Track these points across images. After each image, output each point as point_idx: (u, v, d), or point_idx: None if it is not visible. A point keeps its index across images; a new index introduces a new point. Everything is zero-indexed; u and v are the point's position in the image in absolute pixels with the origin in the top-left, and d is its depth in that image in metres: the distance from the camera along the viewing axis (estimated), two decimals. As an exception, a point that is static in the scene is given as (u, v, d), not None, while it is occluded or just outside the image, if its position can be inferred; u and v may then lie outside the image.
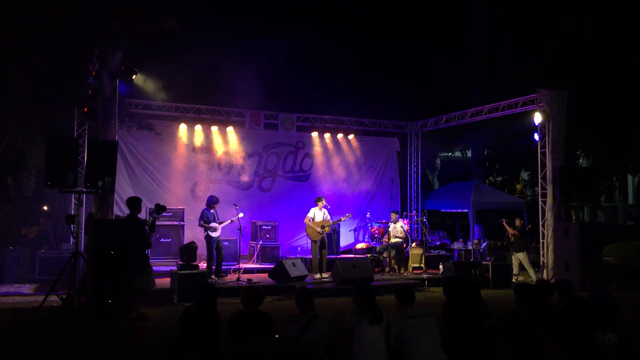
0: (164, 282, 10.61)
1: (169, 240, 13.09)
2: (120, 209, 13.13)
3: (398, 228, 13.70)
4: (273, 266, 11.76)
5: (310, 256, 12.63)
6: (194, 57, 14.90)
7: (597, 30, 15.82)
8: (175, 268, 10.46)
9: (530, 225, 14.66)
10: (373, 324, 4.94)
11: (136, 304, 8.59)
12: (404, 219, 15.13)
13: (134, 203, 8.86)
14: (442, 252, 15.69)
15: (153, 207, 13.10)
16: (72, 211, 11.07)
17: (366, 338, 4.92)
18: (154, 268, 10.44)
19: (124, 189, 13.58)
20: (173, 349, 5.18)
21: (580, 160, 19.92)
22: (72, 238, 11.07)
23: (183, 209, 13.51)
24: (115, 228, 8.87)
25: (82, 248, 10.35)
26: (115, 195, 11.19)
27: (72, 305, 8.83)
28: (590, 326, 3.62)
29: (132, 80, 9.96)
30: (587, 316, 3.68)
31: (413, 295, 5.31)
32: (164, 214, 13.14)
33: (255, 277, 11.97)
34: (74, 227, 9.75)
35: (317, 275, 12.15)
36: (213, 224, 11.51)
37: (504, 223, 13.69)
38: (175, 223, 13.20)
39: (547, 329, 4.38)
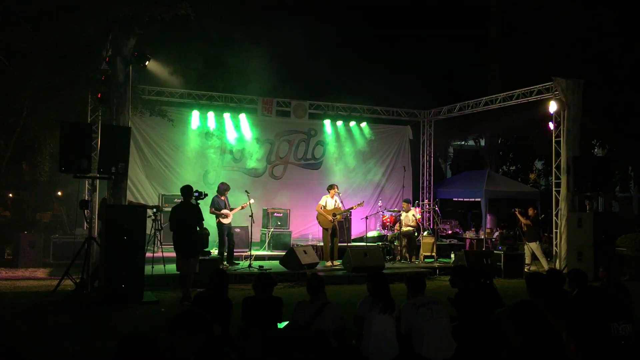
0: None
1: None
2: (133, 195, 13.23)
3: (410, 217, 13.67)
4: (284, 253, 11.80)
5: (322, 244, 12.65)
6: (206, 44, 14.87)
7: (613, 20, 15.55)
8: (187, 254, 10.49)
9: (543, 215, 14.57)
10: (384, 312, 4.94)
11: (188, 286, 8.76)
12: (416, 207, 15.09)
13: (186, 190, 9.15)
14: (454, 241, 15.66)
15: (164, 193, 13.46)
16: (86, 196, 11.14)
17: (377, 326, 4.92)
18: (166, 254, 10.60)
19: (136, 174, 13.69)
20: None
21: (595, 150, 19.72)
22: (85, 223, 11.20)
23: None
24: (128, 213, 8.94)
25: (96, 233, 10.47)
26: (128, 181, 11.24)
27: (86, 289, 8.94)
28: (605, 316, 3.58)
29: (146, 66, 9.95)
30: (601, 306, 3.63)
31: (424, 284, 5.30)
32: (175, 200, 13.34)
33: (266, 264, 12.03)
34: (87, 212, 9.86)
35: (328, 263, 12.17)
36: (224, 211, 11.55)
37: (517, 213, 13.62)
38: (188, 209, 13.25)
39: (558, 317, 4.35)
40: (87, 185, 11.69)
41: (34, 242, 12.29)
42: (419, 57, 18.59)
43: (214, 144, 14.85)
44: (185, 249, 8.98)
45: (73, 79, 11.55)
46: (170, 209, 12.80)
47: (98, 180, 10.04)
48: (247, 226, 12.31)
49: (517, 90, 13.85)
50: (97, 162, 9.59)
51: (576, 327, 3.73)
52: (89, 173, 9.20)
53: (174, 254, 11.34)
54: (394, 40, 19.82)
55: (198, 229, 9.21)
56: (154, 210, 10.85)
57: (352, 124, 16.34)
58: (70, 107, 12.33)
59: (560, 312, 4.72)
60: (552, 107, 12.68)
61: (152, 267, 10.01)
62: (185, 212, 9.10)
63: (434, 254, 13.82)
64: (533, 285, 5.32)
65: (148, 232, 9.98)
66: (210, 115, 14.63)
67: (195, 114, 14.47)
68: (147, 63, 9.93)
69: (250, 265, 11.41)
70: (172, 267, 10.50)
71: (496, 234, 15.70)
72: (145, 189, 14.04)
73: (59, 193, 15.31)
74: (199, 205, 9.56)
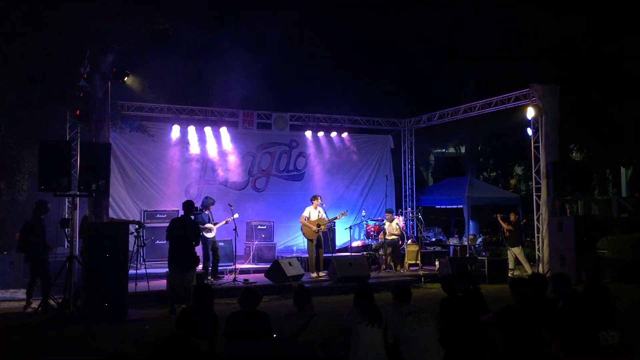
0: (160, 284, 10.59)
1: (164, 242, 12.96)
2: (115, 211, 13.10)
3: (394, 225, 13.72)
4: (269, 266, 11.75)
5: (307, 255, 12.62)
6: (186, 58, 14.84)
7: (588, 25, 15.85)
8: (170, 270, 10.41)
9: (525, 220, 14.73)
10: (372, 325, 4.93)
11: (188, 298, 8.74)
12: (399, 216, 15.15)
13: (188, 206, 9.34)
14: (438, 249, 15.71)
15: (146, 209, 13.37)
16: (66, 215, 11.00)
17: (364, 338, 4.91)
18: (149, 271, 10.51)
19: (117, 191, 13.56)
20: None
21: (573, 154, 20.00)
22: (66, 242, 11.03)
23: (178, 210, 13.40)
24: (110, 231, 8.84)
25: (77, 252, 10.32)
26: (109, 198, 11.13)
27: (68, 309, 8.79)
28: (593, 325, 3.62)
29: (124, 82, 9.90)
30: (588, 315, 3.68)
31: (409, 293, 5.32)
32: (157, 215, 13.25)
33: (251, 277, 11.97)
34: (68, 230, 9.73)
35: (314, 274, 12.14)
36: (208, 225, 11.48)
37: (499, 218, 13.75)
38: (170, 225, 13.13)
39: (543, 324, 4.39)
40: (67, 204, 11.54)
41: (14, 262, 12.06)
42: (398, 67, 18.75)
43: (196, 158, 14.77)
44: (181, 263, 8.98)
45: (51, 96, 11.42)
46: (152, 225, 12.87)
47: (78, 198, 9.92)
48: (231, 240, 12.24)
49: (495, 98, 14.03)
50: (77, 180, 9.49)
51: (565, 337, 3.77)
52: (69, 191, 9.09)
53: (157, 270, 11.38)
54: (373, 50, 19.96)
55: (194, 243, 9.28)
56: (136, 226, 10.75)
57: (334, 134, 16.40)
58: (48, 125, 12.20)
59: (544, 317, 4.77)
60: (530, 113, 12.88)
61: (136, 284, 9.90)
62: (183, 227, 9.18)
63: (418, 262, 13.86)
64: (517, 290, 5.36)
65: (130, 248, 9.88)
66: (191, 129, 14.58)
67: (175, 128, 14.41)
68: (125, 79, 9.88)
69: (235, 279, 11.33)
70: (155, 284, 10.45)
71: (479, 240, 15.80)
72: (126, 205, 13.91)
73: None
74: (196, 221, 9.66)
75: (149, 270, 10.60)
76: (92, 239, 8.67)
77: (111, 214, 11.48)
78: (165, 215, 13.28)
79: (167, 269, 10.91)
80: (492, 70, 18.17)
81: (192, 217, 9.64)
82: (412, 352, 4.88)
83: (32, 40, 10.40)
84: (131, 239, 9.67)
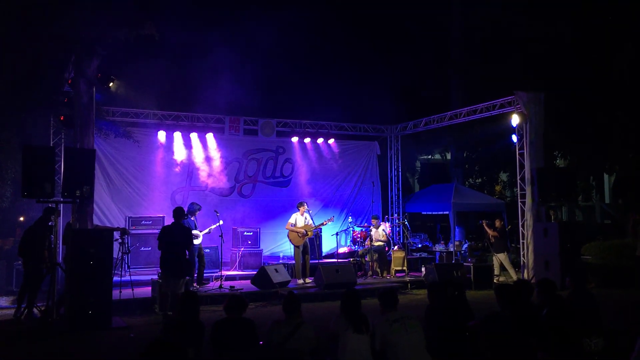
0: (145, 291, 10.50)
1: (149, 248, 12.92)
2: (99, 218, 12.97)
3: (380, 232, 13.74)
4: (255, 273, 11.70)
5: (293, 262, 12.58)
6: (172, 64, 14.80)
7: (573, 33, 16.05)
8: (155, 277, 10.34)
9: (510, 226, 14.82)
10: (359, 332, 4.92)
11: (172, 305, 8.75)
12: (385, 222, 15.17)
13: (178, 212, 9.36)
14: (424, 255, 15.77)
15: (131, 215, 13.29)
16: (50, 221, 10.86)
17: (351, 345, 4.90)
18: (134, 278, 10.41)
19: (102, 197, 13.42)
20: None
21: (557, 161, 20.19)
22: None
23: (163, 217, 13.35)
24: (95, 238, 8.75)
25: (60, 259, 10.20)
26: (94, 205, 11.03)
27: (51, 317, 8.67)
28: (577, 332, 3.64)
29: (110, 87, 9.83)
30: (572, 322, 3.71)
31: (396, 299, 5.31)
32: (143, 222, 13.15)
33: (237, 283, 11.89)
34: (51, 237, 9.61)
35: (300, 281, 12.11)
36: (194, 232, 11.40)
37: (484, 225, 13.83)
38: (155, 231, 12.95)
39: (529, 331, 4.40)
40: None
41: (-5, 269, 11.90)
42: (384, 73, 18.84)
43: (182, 164, 14.69)
44: (174, 270, 8.98)
45: (35, 102, 11.30)
46: (137, 231, 12.76)
47: (62, 205, 9.81)
48: (217, 246, 12.17)
49: (480, 105, 14.13)
50: (60, 186, 9.39)
51: (549, 344, 3.79)
52: (53, 197, 8.99)
53: (141, 278, 11.27)
54: (360, 56, 20.06)
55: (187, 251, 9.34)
56: (120, 233, 10.64)
57: (320, 140, 16.40)
58: (32, 130, 12.05)
59: (529, 324, 4.80)
60: (515, 120, 12.99)
61: (120, 292, 9.79)
62: (175, 234, 9.17)
63: (405, 268, 13.88)
64: (502, 296, 5.39)
65: (115, 255, 9.78)
66: (177, 135, 14.51)
67: (161, 135, 14.33)
68: (111, 84, 9.81)
69: (221, 286, 11.26)
70: (140, 291, 10.35)
71: (465, 246, 15.87)
72: (111, 211, 13.77)
73: (21, 218, 14.89)
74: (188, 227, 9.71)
75: (133, 277, 10.49)
76: (76, 246, 8.56)
77: (95, 221, 11.36)
78: (150, 222, 13.18)
79: (151, 276, 10.90)
80: (478, 77, 18.33)
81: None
82: (399, 359, 4.87)
83: (16, 44, 10.28)
84: (115, 245, 9.58)
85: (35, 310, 9.19)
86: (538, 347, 3.99)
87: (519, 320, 4.56)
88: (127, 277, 10.40)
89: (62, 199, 9.17)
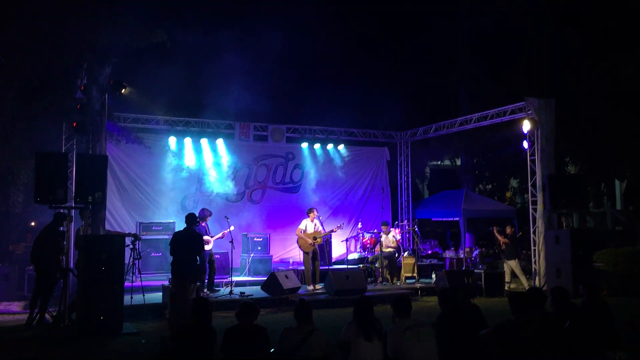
0: (156, 296, 10.52)
1: (160, 254, 12.96)
2: (110, 223, 13.02)
3: (390, 238, 13.71)
4: (265, 278, 11.70)
5: (303, 267, 12.58)
6: (182, 70, 14.86)
7: (583, 39, 16.01)
8: (166, 282, 10.36)
9: (520, 233, 14.72)
10: (371, 340, 4.90)
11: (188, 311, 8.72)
12: (395, 228, 15.13)
13: (190, 218, 9.33)
14: (434, 261, 15.69)
15: (141, 221, 13.34)
16: (62, 227, 10.93)
17: (363, 352, 4.88)
18: (145, 283, 10.44)
19: (113, 203, 13.47)
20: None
21: (568, 167, 20.08)
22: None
23: (174, 222, 13.41)
24: (106, 243, 8.79)
25: (72, 264, 10.25)
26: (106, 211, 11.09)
27: (63, 322, 8.71)
28: (601, 345, 3.60)
29: (122, 94, 9.89)
30: (595, 334, 3.66)
31: (410, 306, 5.28)
32: (153, 227, 13.20)
33: (247, 289, 11.89)
34: (64, 242, 9.67)
35: (310, 287, 12.09)
36: (205, 238, 11.41)
37: (495, 231, 13.76)
38: (166, 237, 13.02)
39: (544, 340, 4.37)
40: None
41: (8, 274, 11.97)
42: (394, 79, 18.84)
43: (192, 170, 14.74)
44: (185, 276, 8.98)
45: (47, 108, 11.38)
46: (147, 237, 12.80)
47: (74, 210, 9.88)
48: (227, 252, 12.19)
49: (491, 111, 14.09)
50: (72, 192, 9.44)
51: (573, 357, 3.74)
52: (65, 203, 9.05)
53: (153, 283, 11.30)
54: (369, 62, 20.08)
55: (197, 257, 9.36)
56: (132, 238, 10.68)
57: (330, 146, 16.41)
58: (44, 137, 12.13)
59: (545, 333, 4.76)
60: (526, 126, 12.93)
61: (131, 297, 9.82)
62: (187, 239, 9.18)
63: (415, 274, 13.83)
64: (516, 304, 5.35)
65: (126, 261, 9.81)
66: (188, 141, 14.57)
67: (172, 140, 14.40)
68: (123, 91, 9.87)
69: (231, 292, 11.27)
70: (151, 297, 10.38)
71: (475, 252, 15.79)
72: (122, 217, 13.84)
73: (33, 224, 14.99)
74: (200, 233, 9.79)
75: (144, 283, 10.51)
76: (88, 251, 8.61)
77: (106, 226, 11.42)
78: (160, 227, 13.23)
79: (162, 282, 10.92)
80: (489, 83, 18.29)
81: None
82: (412, 367, 4.85)
83: (30, 51, 10.39)
84: (127, 251, 9.60)
85: (47, 315, 9.23)
86: (559, 358, 3.95)
87: (533, 328, 4.52)
88: (138, 283, 10.42)
89: (74, 205, 9.22)
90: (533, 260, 13.01)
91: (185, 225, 9.46)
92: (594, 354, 3.60)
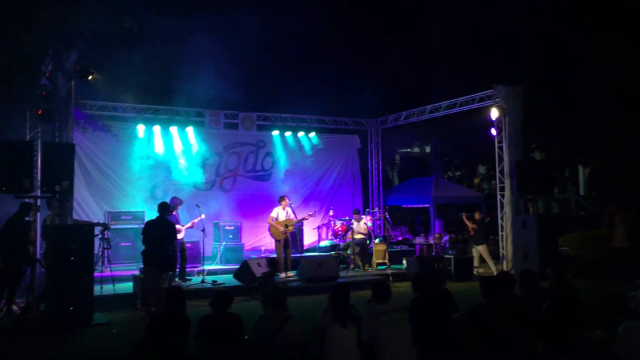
0: (126, 286, 10.41)
1: (129, 244, 12.76)
2: (77, 213, 12.75)
3: (362, 225, 13.80)
4: (237, 267, 11.67)
5: (275, 255, 12.57)
6: (151, 57, 14.59)
7: (550, 28, 16.26)
8: (137, 272, 10.26)
9: (488, 218, 15.00)
10: (344, 327, 4.93)
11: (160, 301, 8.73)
12: (366, 215, 15.24)
13: (163, 207, 9.37)
14: (405, 248, 15.89)
15: (110, 210, 13.14)
16: (28, 217, 10.68)
17: (338, 338, 4.92)
18: (115, 273, 10.31)
19: (80, 192, 13.18)
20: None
21: (534, 153, 20.49)
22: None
23: (143, 212, 13.22)
24: (75, 233, 8.63)
25: (39, 255, 10.05)
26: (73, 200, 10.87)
27: (31, 314, 8.54)
28: (578, 325, 3.70)
29: (89, 80, 9.67)
30: (573, 314, 3.77)
31: (389, 292, 5.30)
32: (122, 217, 12.99)
33: (219, 278, 11.85)
34: (31, 233, 9.47)
35: (283, 275, 12.11)
36: (177, 226, 11.30)
37: (464, 217, 13.99)
38: (135, 226, 12.84)
39: (515, 322, 4.48)
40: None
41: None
42: (365, 67, 18.88)
43: (161, 158, 14.53)
44: (159, 264, 8.97)
45: (10, 95, 11.06)
46: (117, 226, 12.61)
47: (40, 200, 9.67)
48: (198, 241, 12.11)
49: (460, 98, 14.24)
50: (38, 181, 9.24)
51: (551, 337, 3.84)
52: (31, 192, 8.84)
53: (123, 273, 11.17)
54: (340, 49, 20.05)
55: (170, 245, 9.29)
56: (101, 228, 10.51)
57: (301, 134, 16.38)
58: (8, 125, 11.80)
59: (512, 314, 4.87)
60: (494, 113, 13.10)
61: (101, 288, 9.64)
62: (160, 228, 9.14)
63: (386, 261, 13.98)
64: (487, 288, 5.46)
65: (95, 251, 9.66)
66: (157, 129, 14.34)
67: (140, 128, 14.15)
68: (90, 77, 9.65)
69: (203, 281, 11.21)
70: (121, 287, 10.28)
71: (445, 238, 16.03)
72: (90, 206, 13.58)
73: (-3, 214, 14.61)
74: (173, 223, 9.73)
75: (114, 273, 10.38)
76: (56, 241, 8.44)
77: (74, 216, 11.21)
78: (130, 217, 13.05)
79: (132, 271, 10.80)
80: (459, 70, 18.47)
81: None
82: (386, 352, 4.91)
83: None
84: (96, 241, 9.46)
85: (14, 307, 9.04)
86: (537, 339, 4.05)
87: (503, 311, 4.63)
88: (108, 273, 10.27)
89: (40, 194, 9.02)
90: (501, 245, 13.28)
91: (157, 214, 9.38)
92: (572, 334, 3.71)
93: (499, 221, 13.33)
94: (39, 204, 9.67)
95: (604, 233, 13.74)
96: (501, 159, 13.16)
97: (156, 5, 13.08)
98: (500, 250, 13.30)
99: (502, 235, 13.21)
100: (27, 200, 9.39)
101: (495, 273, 12.56)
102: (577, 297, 5.17)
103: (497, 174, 13.42)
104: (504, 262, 12.99)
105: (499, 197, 13.36)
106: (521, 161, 12.83)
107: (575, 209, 23.35)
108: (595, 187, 21.76)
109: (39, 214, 10.03)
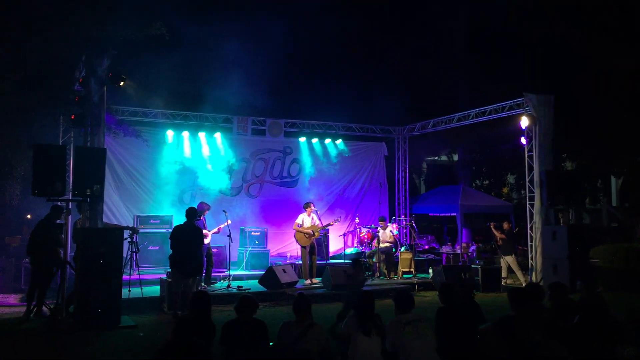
0: (153, 290, 10.52)
1: (157, 247, 12.93)
2: (107, 217, 12.97)
3: (387, 233, 13.73)
4: (262, 273, 11.71)
5: (300, 262, 12.59)
6: (181, 63, 14.81)
7: (582, 36, 16.00)
8: (164, 276, 10.37)
9: (517, 229, 14.77)
10: (368, 335, 4.91)
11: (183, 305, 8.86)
12: (393, 223, 15.15)
13: (191, 212, 9.52)
14: (431, 256, 15.74)
15: (139, 214, 13.32)
16: (59, 220, 10.90)
17: (362, 346, 4.90)
18: (143, 277, 10.44)
19: (110, 196, 13.42)
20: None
21: (565, 163, 20.14)
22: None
23: (171, 216, 13.38)
24: (105, 236, 8.78)
25: (69, 257, 10.24)
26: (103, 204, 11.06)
27: (61, 315, 8.71)
28: (610, 340, 3.61)
29: (120, 86, 9.84)
30: (604, 329, 3.67)
31: (412, 302, 5.28)
32: (151, 221, 13.17)
33: (244, 283, 11.90)
34: (61, 235, 9.65)
35: (308, 281, 12.11)
36: (203, 231, 11.41)
37: (492, 227, 13.80)
38: (163, 230, 13.01)
39: (544, 335, 4.38)
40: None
41: (4, 267, 11.96)
42: (393, 74, 18.82)
43: (190, 163, 14.70)
44: (186, 269, 9.11)
45: (45, 100, 11.33)
46: (145, 230, 12.78)
47: (71, 203, 9.85)
48: (225, 246, 12.19)
49: (490, 107, 14.09)
50: (70, 185, 9.42)
51: (580, 351, 3.75)
52: (63, 196, 9.02)
53: (151, 277, 11.30)
54: (368, 57, 20.04)
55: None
56: (130, 232, 10.67)
57: (328, 141, 16.39)
58: (42, 129, 12.09)
59: (541, 326, 4.78)
60: (524, 122, 12.95)
61: (129, 291, 9.81)
62: (187, 233, 9.30)
63: (412, 269, 13.87)
64: (515, 300, 5.36)
65: (124, 254, 9.79)
66: (185, 134, 14.52)
67: (170, 134, 14.35)
68: (122, 83, 9.82)
69: (229, 286, 11.28)
70: (149, 290, 10.39)
71: (472, 248, 15.84)
72: (119, 210, 13.81)
73: (28, 216, 14.95)
74: (200, 228, 9.94)
75: (142, 277, 10.52)
76: (86, 244, 8.59)
77: (104, 219, 11.40)
78: (158, 221, 13.21)
79: (159, 275, 10.92)
80: (487, 79, 18.28)
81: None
82: (410, 361, 4.86)
83: (27, 43, 10.32)
84: (125, 244, 9.59)
85: (44, 308, 9.21)
86: (569, 354, 3.96)
87: (533, 323, 4.54)
88: (136, 276, 10.42)
89: (72, 198, 9.19)
90: (530, 256, 13.06)
91: (185, 219, 9.48)
92: (602, 350, 3.61)
93: (528, 231, 13.12)
94: (70, 207, 9.83)
95: (636, 245, 13.41)
96: (531, 168, 12.97)
97: (186, 13, 13.27)
98: (530, 261, 13.08)
99: (531, 246, 12.99)
100: (58, 203, 9.57)
101: (523, 284, 12.35)
102: (608, 311, 5.05)
103: (527, 184, 13.23)
104: (533, 274, 12.76)
105: (528, 207, 13.16)
106: (551, 171, 12.62)
107: (607, 220, 22.83)
108: (627, 198, 21.29)
109: (70, 217, 10.21)
